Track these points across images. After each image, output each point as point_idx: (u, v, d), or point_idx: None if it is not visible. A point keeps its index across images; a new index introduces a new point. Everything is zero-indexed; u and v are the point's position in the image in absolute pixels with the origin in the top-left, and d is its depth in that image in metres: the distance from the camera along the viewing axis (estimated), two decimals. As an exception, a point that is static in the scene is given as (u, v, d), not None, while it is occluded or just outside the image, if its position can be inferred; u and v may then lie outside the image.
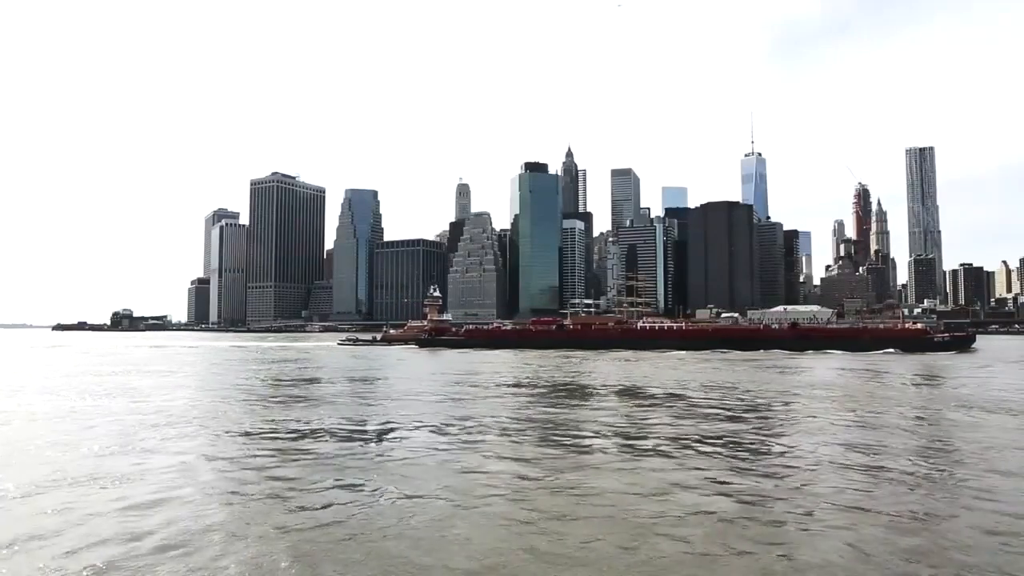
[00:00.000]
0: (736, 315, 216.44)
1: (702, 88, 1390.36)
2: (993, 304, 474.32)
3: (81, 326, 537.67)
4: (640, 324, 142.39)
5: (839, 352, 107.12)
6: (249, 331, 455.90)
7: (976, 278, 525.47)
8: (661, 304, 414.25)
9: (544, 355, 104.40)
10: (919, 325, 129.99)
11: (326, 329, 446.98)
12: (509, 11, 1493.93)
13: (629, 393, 46.80)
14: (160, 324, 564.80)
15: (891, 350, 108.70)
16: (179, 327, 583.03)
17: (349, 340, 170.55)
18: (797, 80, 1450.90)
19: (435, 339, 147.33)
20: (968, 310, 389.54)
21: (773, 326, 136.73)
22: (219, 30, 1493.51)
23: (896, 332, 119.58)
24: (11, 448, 25.39)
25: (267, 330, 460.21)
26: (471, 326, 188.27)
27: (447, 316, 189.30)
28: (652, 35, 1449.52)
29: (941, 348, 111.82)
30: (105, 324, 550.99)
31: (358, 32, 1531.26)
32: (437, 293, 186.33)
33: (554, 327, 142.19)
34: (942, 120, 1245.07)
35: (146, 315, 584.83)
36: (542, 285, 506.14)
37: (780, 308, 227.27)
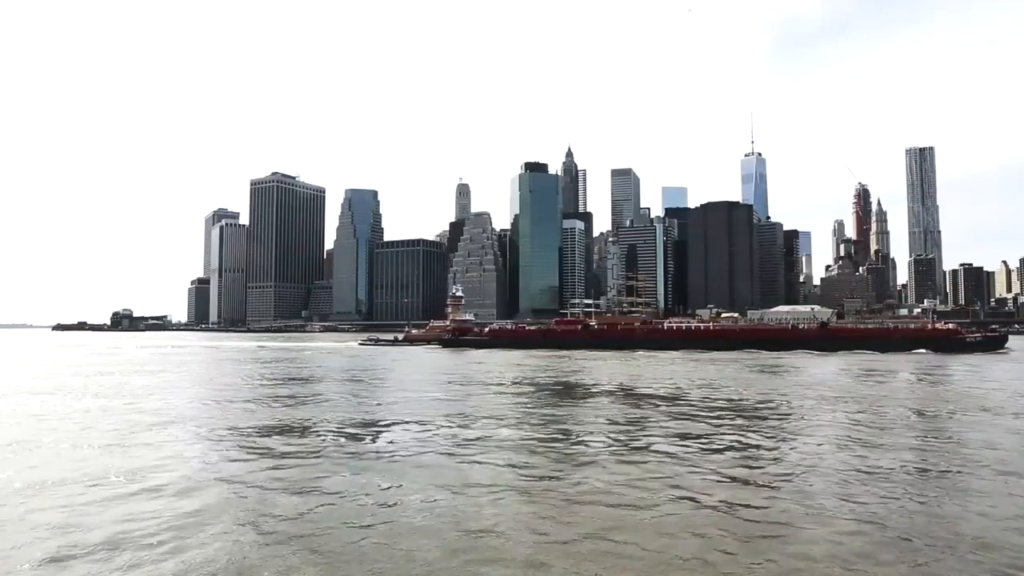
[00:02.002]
0: (736, 315, 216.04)
1: (702, 88, 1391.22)
2: (993, 304, 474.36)
3: (81, 326, 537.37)
4: (667, 324, 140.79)
5: (871, 352, 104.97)
6: (249, 331, 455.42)
7: (976, 278, 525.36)
8: (661, 304, 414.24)
9: (570, 355, 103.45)
10: (950, 325, 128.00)
11: (326, 329, 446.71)
12: (510, 11, 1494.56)
13: (658, 396, 46.07)
14: (160, 324, 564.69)
15: (923, 350, 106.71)
16: (179, 327, 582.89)
17: (371, 340, 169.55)
18: (797, 80, 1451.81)
19: (459, 339, 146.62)
20: (968, 310, 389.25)
21: (800, 326, 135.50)
22: (219, 30, 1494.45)
23: (927, 332, 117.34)
24: (20, 447, 25.53)
25: (267, 330, 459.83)
26: (495, 325, 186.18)
27: (469, 316, 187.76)
28: (652, 35, 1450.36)
29: (973, 349, 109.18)
30: (105, 324, 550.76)
31: (358, 32, 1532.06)
32: (460, 292, 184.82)
33: (579, 327, 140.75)
34: (942, 120, 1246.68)
35: (146, 315, 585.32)
36: (542, 285, 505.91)
37: (780, 308, 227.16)
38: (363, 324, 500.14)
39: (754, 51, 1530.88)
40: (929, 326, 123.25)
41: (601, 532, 15.22)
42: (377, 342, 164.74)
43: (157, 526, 15.48)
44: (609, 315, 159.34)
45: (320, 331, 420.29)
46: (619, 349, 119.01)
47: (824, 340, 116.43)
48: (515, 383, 55.83)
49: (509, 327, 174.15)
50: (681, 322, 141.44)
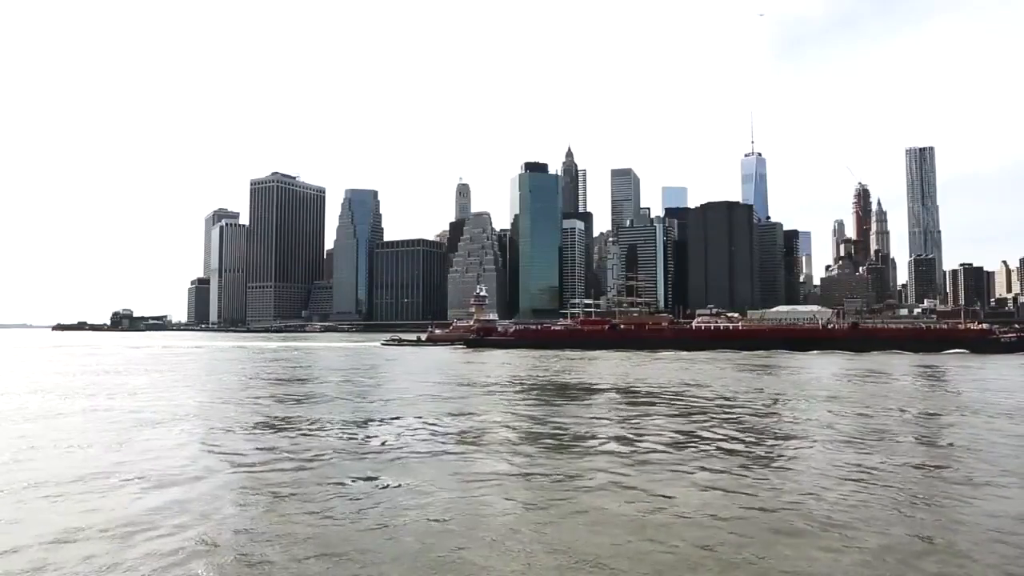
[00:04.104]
0: (736, 315, 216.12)
1: (702, 88, 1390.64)
2: (993, 304, 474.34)
3: (81, 326, 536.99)
4: (695, 324, 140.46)
5: (905, 352, 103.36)
6: (249, 331, 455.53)
7: (976, 278, 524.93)
8: (661, 304, 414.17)
9: (597, 355, 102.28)
10: (984, 325, 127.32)
11: (327, 329, 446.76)
12: (509, 11, 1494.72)
13: (692, 397, 45.20)
14: (160, 324, 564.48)
15: (959, 350, 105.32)
16: (179, 327, 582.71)
17: (393, 340, 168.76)
18: (797, 80, 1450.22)
19: (484, 339, 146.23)
20: (968, 310, 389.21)
21: (830, 326, 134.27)
22: (219, 30, 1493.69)
23: (960, 332, 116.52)
24: (29, 446, 25.54)
25: (267, 330, 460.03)
26: (520, 326, 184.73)
27: (492, 316, 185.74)
28: (652, 35, 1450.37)
29: (1009, 349, 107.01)
30: (105, 324, 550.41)
31: (358, 32, 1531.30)
32: (484, 292, 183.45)
33: (606, 327, 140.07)
34: (942, 120, 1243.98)
35: (146, 315, 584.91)
36: (542, 285, 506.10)
37: (780, 308, 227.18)
38: (363, 324, 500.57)
39: (754, 51, 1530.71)
40: (961, 326, 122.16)
41: (603, 533, 15.22)
42: (400, 342, 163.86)
43: (156, 523, 15.49)
44: (636, 315, 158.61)
45: (320, 331, 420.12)
46: (647, 349, 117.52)
47: (856, 340, 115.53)
48: (546, 384, 55.49)
49: (533, 327, 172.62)
50: (709, 322, 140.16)
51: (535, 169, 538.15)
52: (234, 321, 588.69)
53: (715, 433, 29.14)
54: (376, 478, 20.67)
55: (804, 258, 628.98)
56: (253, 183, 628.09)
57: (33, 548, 14.08)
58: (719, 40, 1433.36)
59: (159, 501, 17.83)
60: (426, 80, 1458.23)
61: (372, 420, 33.70)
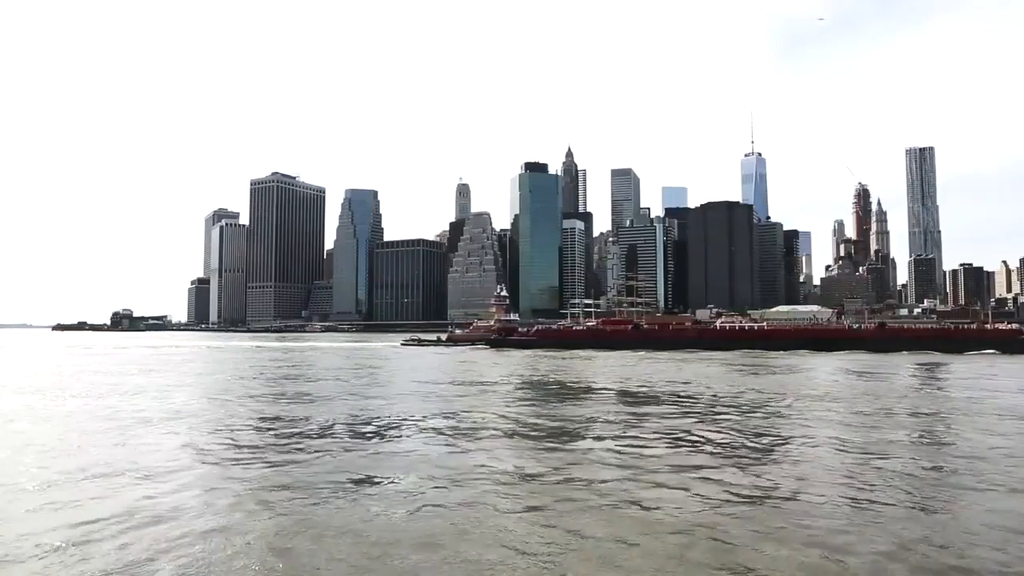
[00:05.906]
0: (736, 315, 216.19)
1: (702, 88, 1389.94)
2: (993, 304, 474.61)
3: (81, 326, 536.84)
4: (719, 324, 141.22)
5: (935, 353, 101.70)
6: (249, 331, 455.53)
7: (976, 278, 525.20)
8: (661, 304, 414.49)
9: (622, 356, 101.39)
10: (1013, 325, 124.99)
11: (327, 329, 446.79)
12: (509, 11, 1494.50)
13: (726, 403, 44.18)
14: (160, 324, 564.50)
15: (991, 351, 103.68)
16: (179, 327, 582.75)
17: (413, 340, 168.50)
18: (797, 80, 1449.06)
19: (505, 339, 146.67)
20: (968, 310, 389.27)
21: (855, 326, 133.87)
22: (219, 30, 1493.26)
23: (989, 333, 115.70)
24: (35, 444, 25.52)
25: (267, 330, 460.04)
26: (541, 326, 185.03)
27: (514, 316, 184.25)
28: (652, 35, 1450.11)
29: None
30: (105, 324, 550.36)
31: (358, 32, 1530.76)
32: (504, 293, 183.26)
33: (629, 327, 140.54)
34: (942, 120, 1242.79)
35: (146, 315, 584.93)
36: (542, 285, 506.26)
37: (780, 308, 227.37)
38: (363, 324, 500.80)
39: (754, 51, 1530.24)
40: (987, 326, 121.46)
41: (605, 531, 15.19)
42: (420, 342, 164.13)
43: (156, 522, 15.45)
44: (659, 315, 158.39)
45: (320, 331, 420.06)
46: (671, 350, 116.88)
47: (883, 340, 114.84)
48: (572, 384, 55.17)
49: (555, 327, 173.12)
50: (733, 323, 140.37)
51: (535, 169, 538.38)
52: (234, 321, 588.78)
53: (731, 432, 29.12)
54: (382, 477, 20.64)
55: (804, 258, 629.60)
56: (253, 183, 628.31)
57: (26, 546, 14.06)
58: (719, 40, 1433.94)
59: (156, 498, 17.80)
60: (426, 80, 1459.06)
61: (391, 420, 33.64)
